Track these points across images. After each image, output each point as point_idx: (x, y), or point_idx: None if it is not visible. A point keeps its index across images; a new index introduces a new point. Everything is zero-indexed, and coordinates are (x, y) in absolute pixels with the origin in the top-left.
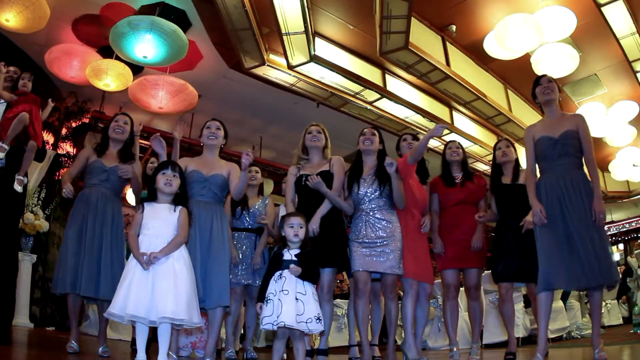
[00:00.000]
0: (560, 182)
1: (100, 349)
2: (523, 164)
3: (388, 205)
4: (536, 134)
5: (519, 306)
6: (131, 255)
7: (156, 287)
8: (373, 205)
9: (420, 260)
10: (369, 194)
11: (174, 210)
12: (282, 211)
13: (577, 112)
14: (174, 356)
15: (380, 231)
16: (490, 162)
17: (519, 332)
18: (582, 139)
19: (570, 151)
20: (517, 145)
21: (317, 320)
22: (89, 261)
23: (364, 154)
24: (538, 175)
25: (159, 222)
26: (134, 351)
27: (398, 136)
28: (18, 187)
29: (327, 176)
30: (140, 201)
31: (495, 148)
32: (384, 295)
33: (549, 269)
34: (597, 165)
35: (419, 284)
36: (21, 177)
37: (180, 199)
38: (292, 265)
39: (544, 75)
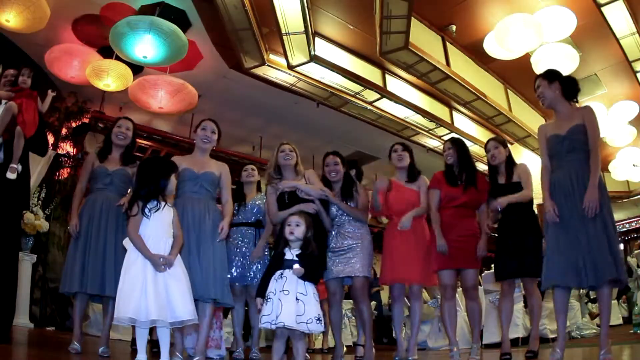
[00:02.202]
0: (567, 179)
1: (101, 349)
2: (519, 160)
3: (357, 220)
4: (547, 133)
5: (519, 306)
6: (133, 255)
7: (171, 290)
8: (342, 220)
9: (408, 263)
10: (338, 213)
11: (170, 210)
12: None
13: None
14: (179, 356)
15: (348, 240)
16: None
17: (519, 332)
18: (588, 129)
19: (578, 146)
20: (516, 144)
21: (318, 321)
22: (94, 261)
23: (332, 183)
24: None
25: (164, 224)
26: (134, 351)
27: (398, 136)
28: (10, 175)
29: None
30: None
31: (485, 150)
32: (354, 299)
33: (551, 267)
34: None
35: (408, 287)
36: (14, 165)
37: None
38: (296, 266)
39: (537, 77)
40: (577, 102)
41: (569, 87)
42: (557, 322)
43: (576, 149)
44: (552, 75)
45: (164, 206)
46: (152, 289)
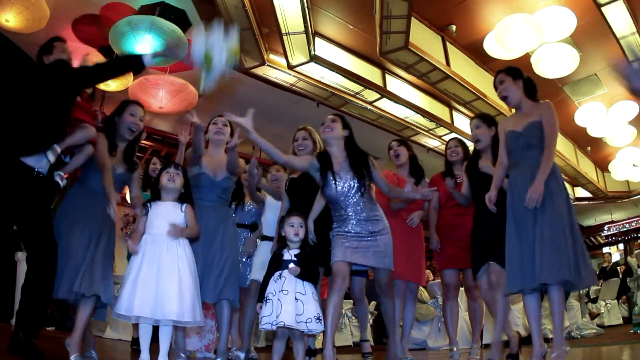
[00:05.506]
0: (525, 178)
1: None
2: None
3: (372, 200)
4: (506, 128)
5: (519, 306)
6: (134, 255)
7: (161, 288)
8: (358, 208)
9: (409, 261)
10: (350, 194)
11: (181, 209)
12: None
13: (577, 112)
14: (183, 356)
15: (370, 226)
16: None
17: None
18: (544, 126)
19: (534, 143)
20: None
21: (317, 320)
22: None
23: (326, 143)
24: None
25: (165, 221)
26: (134, 351)
27: (398, 136)
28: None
29: (311, 178)
30: (145, 202)
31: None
32: (380, 293)
33: (511, 272)
34: (597, 165)
35: (406, 284)
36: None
37: (185, 198)
38: (291, 265)
39: (499, 72)
40: (536, 100)
41: (530, 85)
42: (530, 329)
43: (533, 146)
44: (516, 73)
45: (161, 205)
46: (140, 285)
